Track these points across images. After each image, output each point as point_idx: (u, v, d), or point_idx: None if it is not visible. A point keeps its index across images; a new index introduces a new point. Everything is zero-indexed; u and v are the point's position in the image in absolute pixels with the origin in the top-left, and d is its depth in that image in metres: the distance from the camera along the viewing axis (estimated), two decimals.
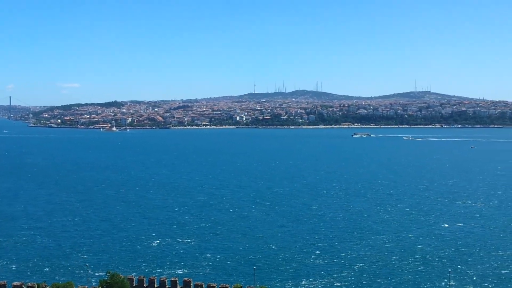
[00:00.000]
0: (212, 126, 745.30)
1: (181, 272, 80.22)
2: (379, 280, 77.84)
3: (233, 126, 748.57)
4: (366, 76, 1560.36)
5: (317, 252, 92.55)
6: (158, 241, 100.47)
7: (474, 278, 78.20)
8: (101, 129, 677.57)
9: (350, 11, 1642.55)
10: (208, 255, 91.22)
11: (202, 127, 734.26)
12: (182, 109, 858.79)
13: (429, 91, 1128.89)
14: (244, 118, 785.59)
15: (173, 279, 62.96)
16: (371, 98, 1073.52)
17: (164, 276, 68.77)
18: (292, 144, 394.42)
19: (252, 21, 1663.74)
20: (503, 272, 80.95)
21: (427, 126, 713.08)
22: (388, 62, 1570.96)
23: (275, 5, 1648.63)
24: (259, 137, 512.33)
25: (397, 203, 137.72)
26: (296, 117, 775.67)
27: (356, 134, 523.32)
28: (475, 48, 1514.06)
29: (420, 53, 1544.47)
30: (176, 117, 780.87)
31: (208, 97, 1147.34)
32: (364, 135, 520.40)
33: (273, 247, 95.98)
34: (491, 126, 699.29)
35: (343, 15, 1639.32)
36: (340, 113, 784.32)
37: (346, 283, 77.00)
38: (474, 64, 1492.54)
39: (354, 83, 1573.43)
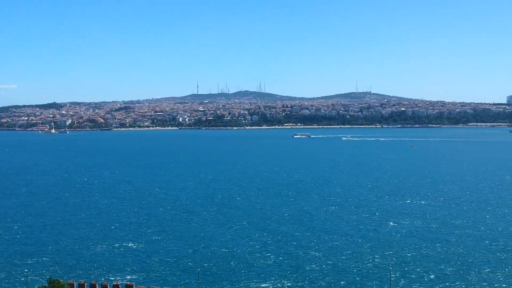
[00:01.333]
0: (155, 128, 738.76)
1: (128, 277, 78.05)
2: (328, 281, 77.86)
3: (176, 127, 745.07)
4: (308, 77, 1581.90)
5: (266, 253, 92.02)
6: (103, 246, 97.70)
7: (415, 276, 79.30)
8: (40, 131, 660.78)
9: (291, 12, 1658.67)
10: (156, 258, 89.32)
11: (144, 129, 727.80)
12: (123, 111, 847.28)
13: (370, 92, 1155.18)
14: (187, 119, 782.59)
15: (115, 283, 61.07)
16: (313, 98, 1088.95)
17: (106, 281, 66.54)
18: (236, 145, 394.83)
19: (193, 22, 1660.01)
20: (449, 269, 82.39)
21: (368, 126, 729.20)
22: (329, 63, 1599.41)
23: (216, 6, 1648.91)
24: (203, 138, 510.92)
25: (343, 203, 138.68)
26: (239, 118, 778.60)
27: (297, 135, 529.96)
28: (413, 49, 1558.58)
29: (360, 54, 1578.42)
30: (118, 119, 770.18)
31: (150, 98, 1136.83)
32: (304, 135, 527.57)
33: (221, 249, 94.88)
34: (429, 125, 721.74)
35: (285, 16, 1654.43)
36: (283, 114, 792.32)
37: (296, 284, 76.66)
38: (412, 65, 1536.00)
39: (297, 84, 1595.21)
